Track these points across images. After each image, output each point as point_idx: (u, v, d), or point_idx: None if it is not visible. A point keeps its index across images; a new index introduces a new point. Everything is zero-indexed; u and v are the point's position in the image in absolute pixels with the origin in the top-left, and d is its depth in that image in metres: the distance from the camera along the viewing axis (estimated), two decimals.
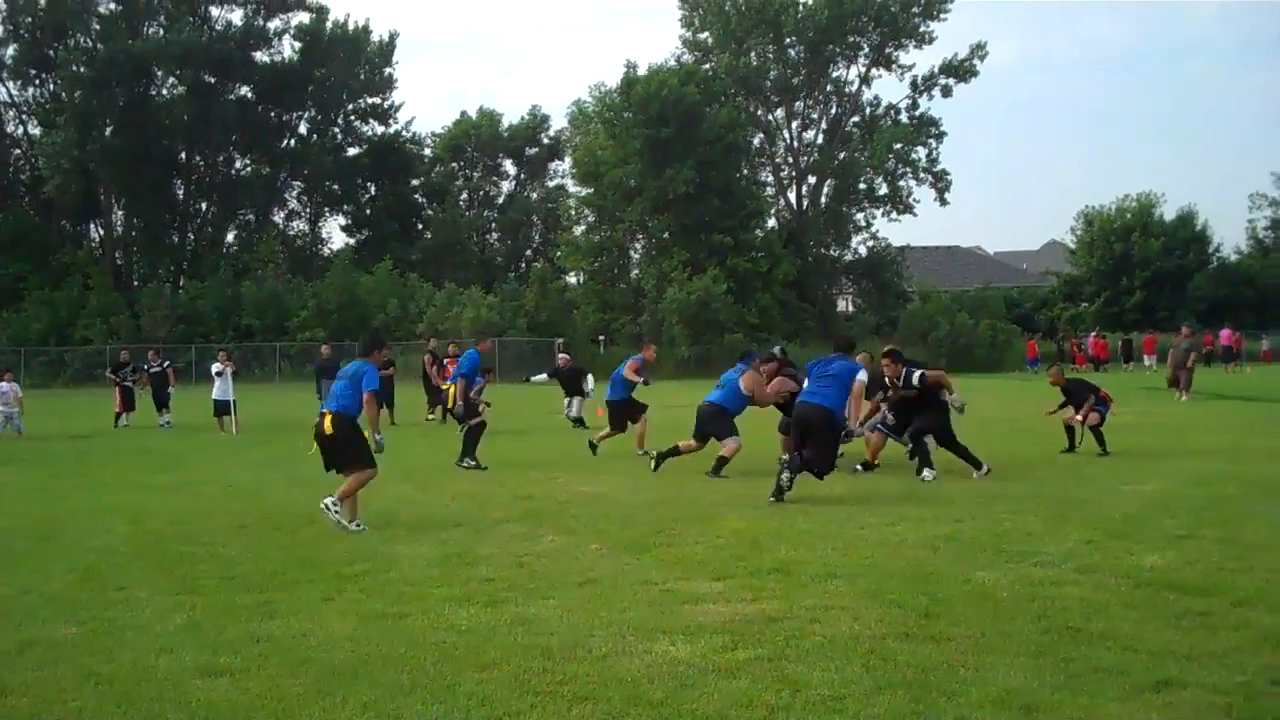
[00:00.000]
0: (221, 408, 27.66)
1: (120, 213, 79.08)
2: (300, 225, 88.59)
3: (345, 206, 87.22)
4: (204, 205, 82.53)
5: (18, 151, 79.07)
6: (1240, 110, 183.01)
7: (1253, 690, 5.93)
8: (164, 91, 78.09)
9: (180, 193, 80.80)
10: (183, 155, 79.52)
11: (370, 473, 12.43)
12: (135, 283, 76.42)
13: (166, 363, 32.27)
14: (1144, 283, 75.21)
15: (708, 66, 73.24)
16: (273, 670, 6.75)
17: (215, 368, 28.31)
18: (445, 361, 30.20)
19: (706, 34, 75.81)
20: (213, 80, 77.03)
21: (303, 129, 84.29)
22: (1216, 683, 6.06)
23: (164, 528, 12.56)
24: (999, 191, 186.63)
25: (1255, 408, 28.96)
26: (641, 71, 68.47)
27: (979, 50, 75.23)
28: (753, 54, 75.47)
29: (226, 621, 7.98)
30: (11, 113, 78.38)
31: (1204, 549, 9.69)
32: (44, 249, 73.15)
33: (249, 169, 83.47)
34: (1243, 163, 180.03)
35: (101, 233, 79.15)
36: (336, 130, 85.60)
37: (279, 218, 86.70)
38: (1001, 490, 13.92)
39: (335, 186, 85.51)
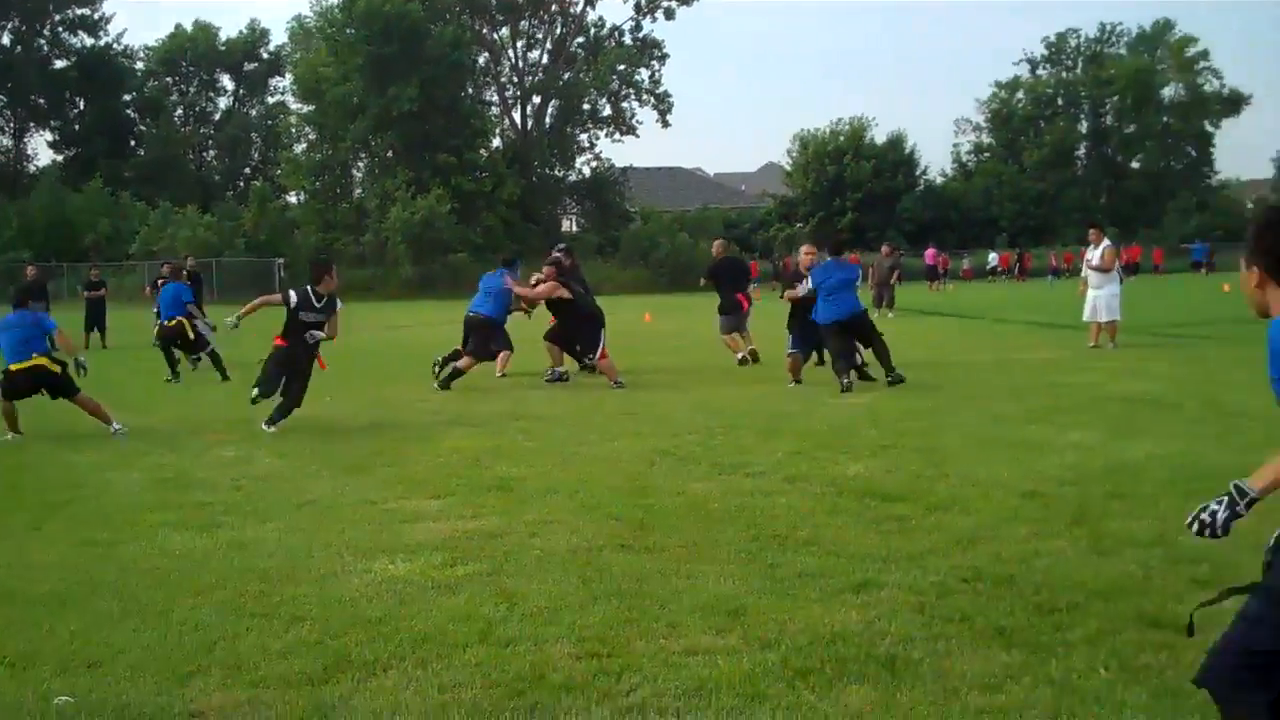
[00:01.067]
0: None
1: None
2: (3, 141, 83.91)
3: (52, 122, 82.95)
4: None
5: None
6: (948, 37, 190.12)
7: (944, 588, 6.28)
8: None
9: None
10: None
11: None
12: None
13: None
14: (855, 204, 77.65)
15: None
16: None
17: None
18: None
19: None
20: None
21: (4, 40, 79.62)
22: (912, 583, 6.39)
23: None
24: (720, 114, 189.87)
25: (955, 323, 30.39)
26: None
27: None
28: None
29: None
30: None
31: (904, 458, 10.17)
32: None
33: None
34: (949, 88, 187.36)
35: None
36: (42, 41, 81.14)
37: None
38: (717, 405, 14.30)
39: (41, 101, 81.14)
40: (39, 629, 6.02)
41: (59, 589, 6.73)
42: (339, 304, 13.38)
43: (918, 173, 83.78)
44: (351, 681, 5.22)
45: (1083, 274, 21.71)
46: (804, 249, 18.13)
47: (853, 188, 78.15)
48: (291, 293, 13.14)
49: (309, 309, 12.97)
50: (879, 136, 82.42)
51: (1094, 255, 20.92)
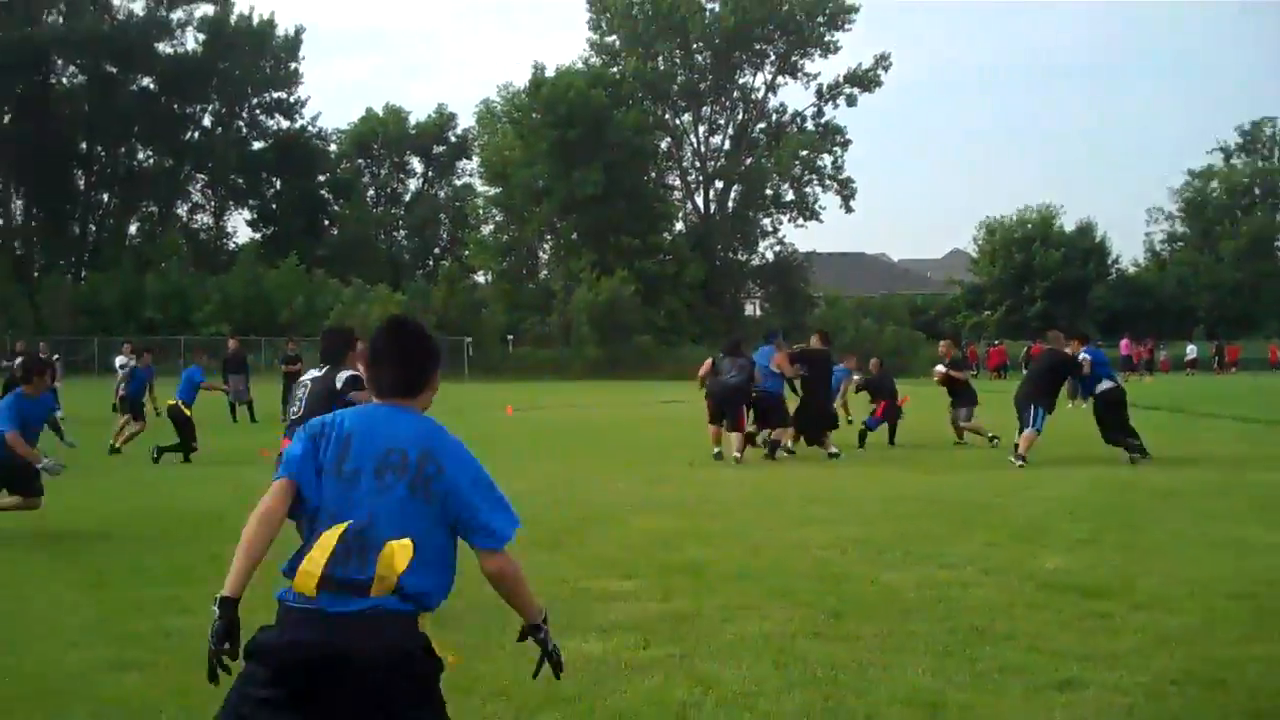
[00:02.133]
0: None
1: (19, 202, 77.67)
2: (204, 219, 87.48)
3: (250, 201, 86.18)
4: (105, 196, 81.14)
5: None
6: (1138, 125, 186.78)
7: (1153, 691, 6.07)
8: (64, 80, 76.82)
9: (81, 183, 79.38)
10: (83, 146, 78.08)
11: None
12: (35, 273, 74.89)
13: (55, 356, 31.76)
14: (1044, 292, 76.39)
15: (615, 70, 73.29)
16: (181, 665, 6.65)
17: (120, 360, 27.85)
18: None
19: (614, 37, 76.07)
20: (113, 70, 75.77)
21: (206, 121, 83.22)
22: (1118, 683, 6.19)
23: (68, 520, 12.36)
24: (904, 200, 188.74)
25: (1153, 416, 29.54)
26: (549, 73, 68.42)
27: (883, 61, 76.11)
28: (660, 59, 75.71)
29: (135, 616, 7.89)
30: None
31: (1105, 553, 9.88)
32: None
33: (151, 161, 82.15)
34: (1140, 177, 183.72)
35: (0, 222, 77.56)
36: (241, 124, 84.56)
37: (182, 210, 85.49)
38: (906, 493, 14.10)
39: (240, 180, 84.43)
40: None
41: None
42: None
43: (1109, 261, 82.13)
44: None
45: None
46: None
47: (1041, 275, 76.94)
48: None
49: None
50: (1068, 224, 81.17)
51: None
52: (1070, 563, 9.44)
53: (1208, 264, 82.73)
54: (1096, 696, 5.99)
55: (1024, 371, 19.92)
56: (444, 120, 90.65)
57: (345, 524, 3.69)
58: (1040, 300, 76.10)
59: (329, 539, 3.66)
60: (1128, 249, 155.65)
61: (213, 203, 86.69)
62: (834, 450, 18.62)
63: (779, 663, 6.62)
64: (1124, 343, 59.68)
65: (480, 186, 79.18)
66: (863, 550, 10.12)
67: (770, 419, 18.80)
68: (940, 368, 20.41)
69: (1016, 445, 17.15)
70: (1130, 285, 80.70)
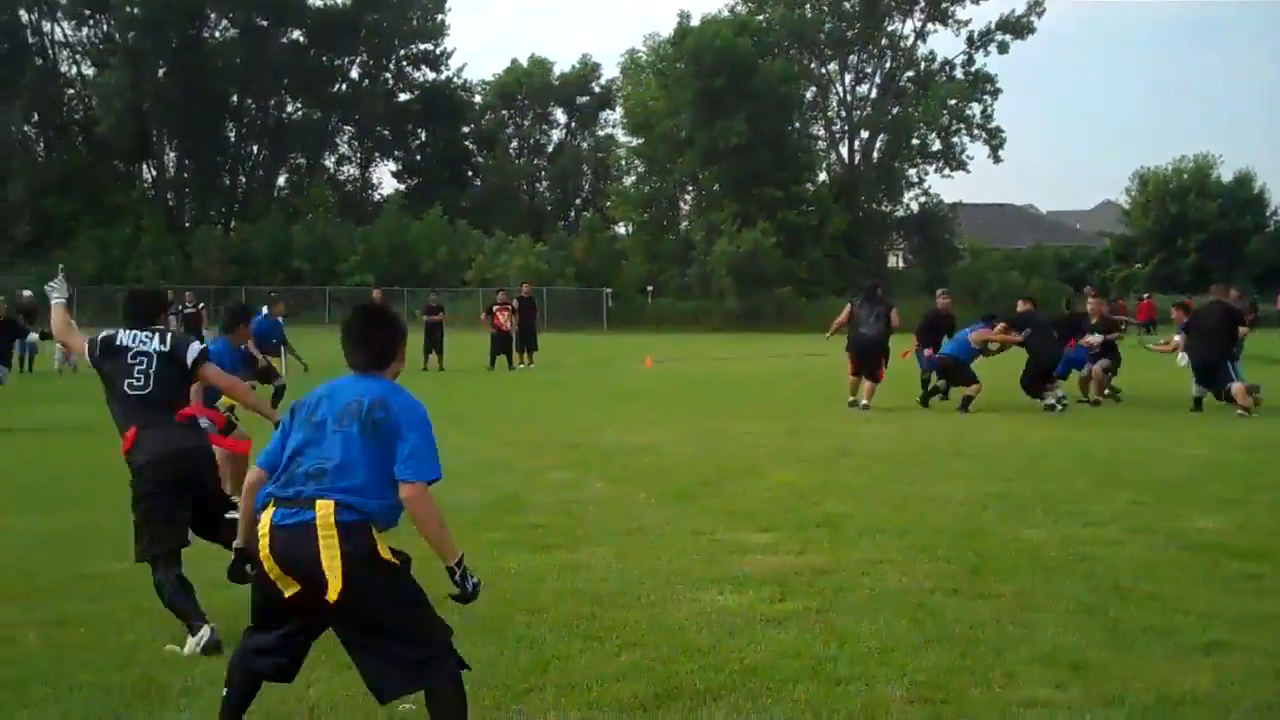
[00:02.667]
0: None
1: (172, 154, 79.43)
2: (351, 170, 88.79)
3: (396, 152, 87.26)
4: (255, 148, 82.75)
5: (71, 91, 79.40)
6: None
7: None
8: (216, 34, 78.35)
9: (231, 135, 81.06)
10: (234, 98, 79.59)
11: None
12: (187, 224, 76.75)
13: (201, 304, 32.60)
14: (1199, 245, 74.28)
15: (761, 18, 72.51)
16: None
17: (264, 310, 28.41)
18: (494, 309, 30.33)
19: None
20: (264, 23, 77.03)
21: (354, 74, 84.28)
22: (1267, 646, 6.04)
23: None
24: (1053, 150, 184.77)
25: None
26: (695, 22, 68.00)
27: (1036, 6, 74.26)
28: (807, 6, 74.71)
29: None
30: (65, 52, 78.74)
31: (1255, 514, 9.62)
32: (97, 188, 73.48)
33: (300, 113, 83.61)
34: None
35: (154, 174, 79.56)
36: (388, 76, 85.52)
37: (329, 162, 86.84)
38: (1049, 450, 13.85)
39: (386, 132, 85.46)
40: None
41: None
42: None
43: (1268, 213, 79.51)
44: (683, 710, 5.27)
45: None
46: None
47: (1196, 228, 74.75)
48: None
49: None
50: (1225, 175, 78.71)
51: None
52: (1219, 523, 9.21)
53: None
54: (1243, 660, 5.84)
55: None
56: (588, 71, 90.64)
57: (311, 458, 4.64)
58: (1194, 253, 74.00)
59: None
60: None
61: (359, 154, 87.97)
62: (1051, 401, 18.50)
63: (916, 619, 6.57)
64: None
65: (623, 137, 79.16)
66: (1004, 506, 9.99)
67: (954, 377, 18.96)
68: (1093, 339, 19.75)
69: (1234, 399, 17.42)
70: None
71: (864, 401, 18.48)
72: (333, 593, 4.44)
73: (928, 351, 19.83)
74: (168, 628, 6.47)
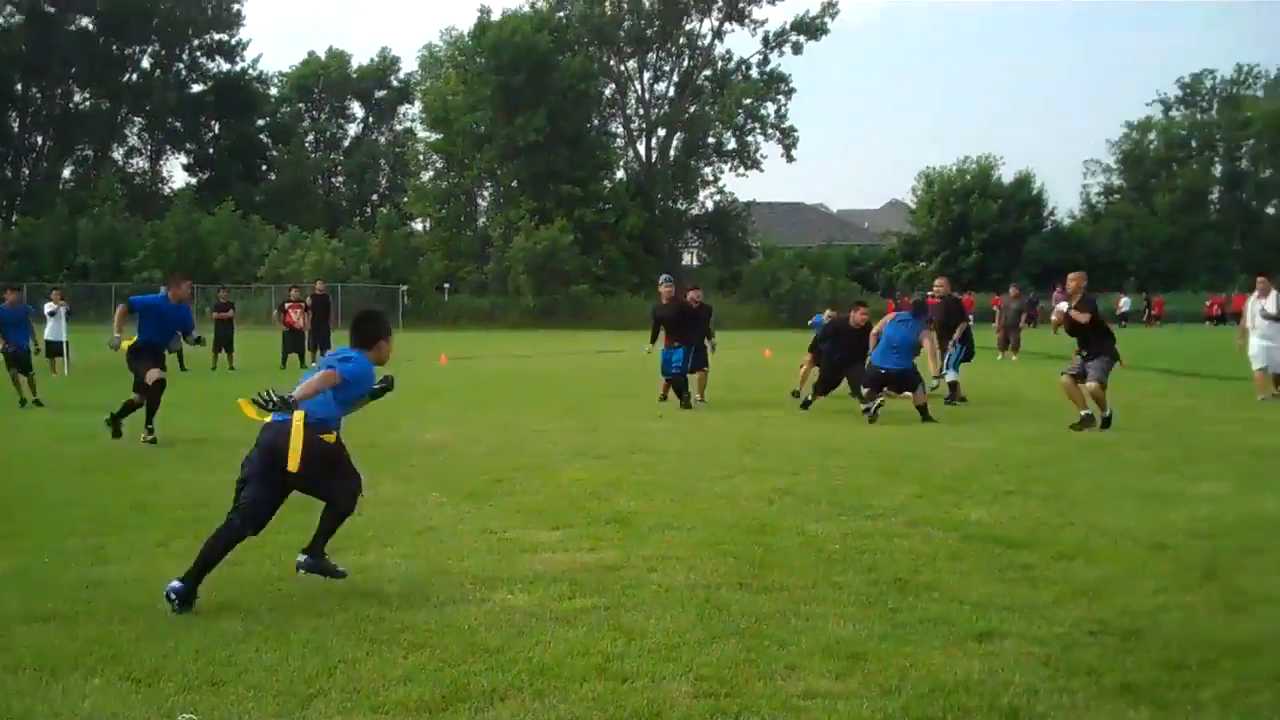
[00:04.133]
0: (54, 348, 26.79)
1: None
2: (140, 163, 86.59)
3: (188, 145, 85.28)
4: (40, 139, 79.92)
5: None
6: (1078, 78, 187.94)
7: (1069, 641, 6.15)
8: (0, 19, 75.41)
9: (15, 125, 78.03)
10: (19, 86, 76.70)
11: None
12: None
13: None
14: (981, 244, 76.83)
15: (561, 14, 72.75)
16: (103, 616, 6.64)
17: (49, 307, 27.39)
18: (286, 306, 29.84)
19: None
20: (52, 10, 74.34)
21: (145, 63, 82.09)
22: (1036, 633, 6.26)
23: None
24: (844, 150, 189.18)
25: None
26: (495, 17, 67.86)
27: (830, 8, 75.91)
28: (607, 3, 75.12)
29: (57, 566, 7.82)
30: None
31: (1028, 505, 9.98)
32: None
33: (88, 103, 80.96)
34: (1079, 129, 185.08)
35: None
36: (180, 66, 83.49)
37: (118, 154, 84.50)
38: (836, 445, 14.18)
39: (178, 124, 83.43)
40: (165, 644, 6.13)
41: None
42: None
43: (1045, 214, 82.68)
44: (469, 711, 5.25)
45: (1244, 322, 20.99)
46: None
47: (978, 227, 77.37)
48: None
49: None
50: (1006, 176, 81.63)
51: (1269, 304, 20.17)
52: (994, 514, 9.53)
53: (1141, 217, 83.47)
54: (1014, 647, 6.05)
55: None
56: (386, 64, 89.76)
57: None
58: (976, 252, 76.53)
59: None
60: (1065, 201, 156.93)
61: (149, 147, 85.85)
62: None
63: (703, 614, 6.65)
64: (1057, 294, 60.15)
65: (421, 132, 78.56)
66: (791, 501, 10.19)
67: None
68: (1062, 306, 16.45)
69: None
70: (1065, 237, 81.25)
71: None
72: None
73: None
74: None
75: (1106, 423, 15.38)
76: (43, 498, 10.49)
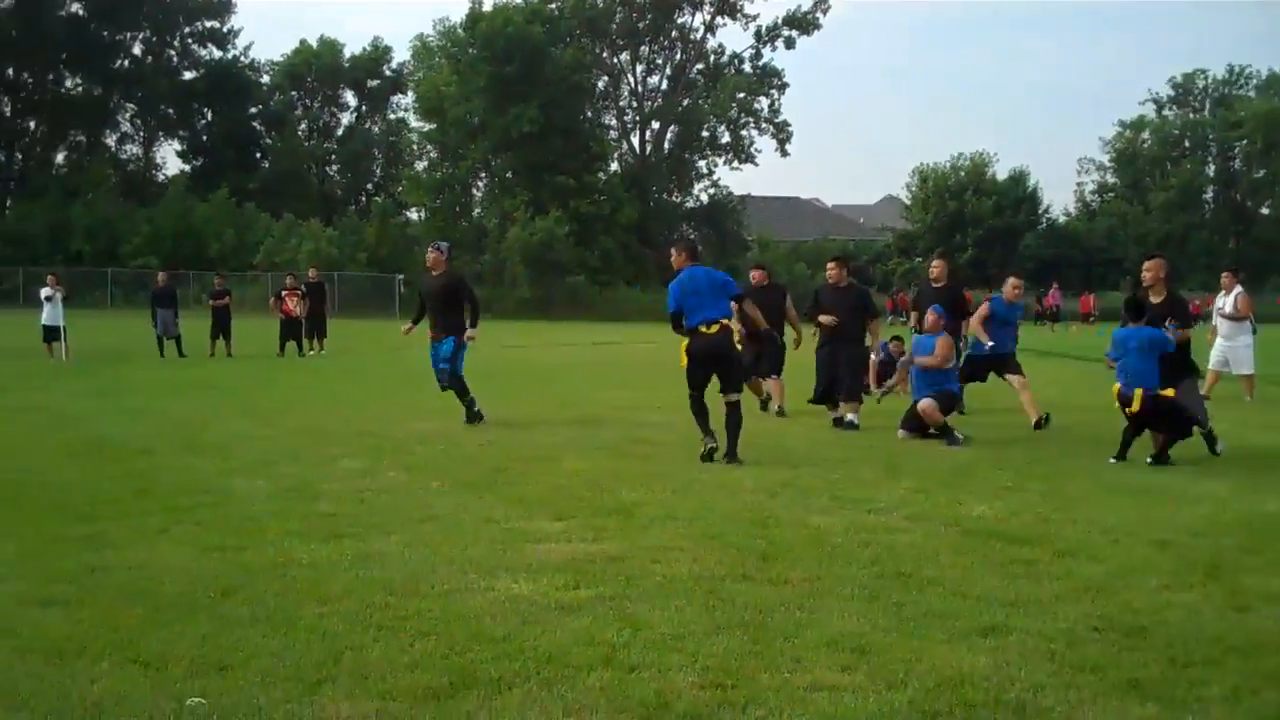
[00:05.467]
0: (51, 333, 26.80)
1: None
2: (133, 149, 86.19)
3: (181, 132, 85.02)
4: (32, 124, 79.71)
5: None
6: (1075, 74, 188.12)
7: (1074, 636, 6.16)
8: None
9: (7, 109, 77.85)
10: (9, 71, 76.49)
11: None
12: None
13: None
14: (976, 240, 76.89)
15: (554, 6, 72.60)
16: (108, 601, 6.63)
17: (45, 292, 27.37)
18: (283, 294, 29.80)
19: None
20: None
21: (136, 50, 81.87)
22: (1040, 628, 6.27)
23: None
24: (839, 145, 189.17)
25: (1079, 365, 29.87)
26: (487, 8, 67.70)
27: (822, 3, 75.90)
28: None
29: (58, 551, 7.81)
30: None
31: (1029, 500, 10.01)
32: None
33: (80, 89, 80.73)
34: (1073, 128, 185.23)
35: None
36: (172, 53, 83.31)
37: (111, 140, 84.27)
38: (837, 439, 14.21)
39: (170, 111, 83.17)
40: (170, 630, 6.12)
41: (188, 591, 6.84)
42: None
43: (1040, 210, 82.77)
44: (477, 698, 5.24)
45: (1213, 321, 20.93)
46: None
47: (973, 224, 77.42)
48: None
49: None
50: (1000, 173, 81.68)
51: (1225, 302, 20.17)
52: (995, 510, 9.54)
53: (1136, 215, 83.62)
54: (1019, 642, 6.06)
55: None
56: (379, 54, 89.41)
57: None
58: (971, 248, 76.58)
59: None
60: (1059, 199, 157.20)
61: (142, 133, 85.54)
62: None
63: (707, 605, 6.65)
64: (1053, 291, 60.34)
65: (415, 122, 78.42)
66: (791, 494, 10.20)
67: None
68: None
69: None
70: (1060, 235, 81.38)
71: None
72: None
73: None
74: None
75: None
76: (41, 482, 10.48)
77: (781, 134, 76.51)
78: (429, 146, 73.83)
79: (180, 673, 5.52)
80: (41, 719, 5.01)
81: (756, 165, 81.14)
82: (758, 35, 76.97)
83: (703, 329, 12.17)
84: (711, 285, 12.34)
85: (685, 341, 12.43)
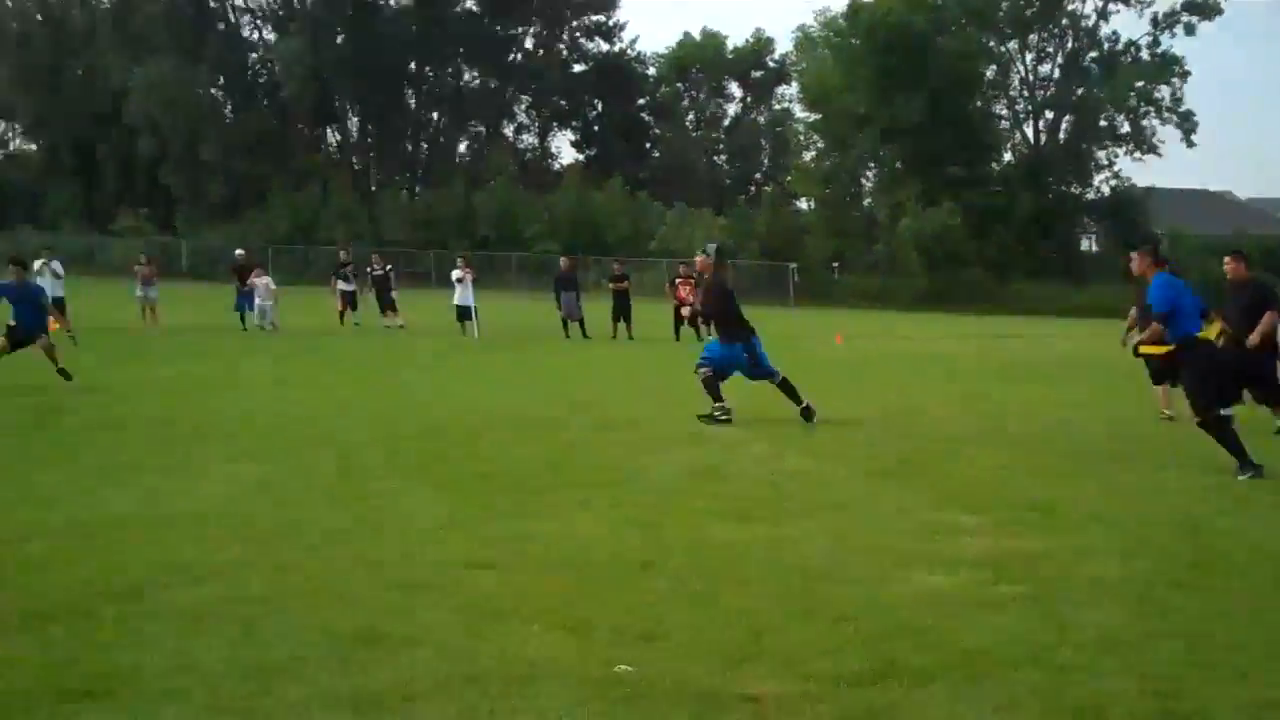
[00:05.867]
0: (463, 313, 28.18)
1: (355, 119, 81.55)
2: (530, 139, 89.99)
3: (573, 123, 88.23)
4: (435, 115, 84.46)
5: (254, 55, 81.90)
6: None
7: None
8: (391, 1, 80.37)
9: (412, 102, 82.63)
10: (412, 66, 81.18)
11: None
12: (372, 188, 78.58)
13: (389, 266, 32.93)
14: None
15: None
16: (534, 568, 6.87)
17: (456, 274, 28.82)
18: (677, 281, 30.29)
19: None
20: None
21: (528, 44, 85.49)
22: None
23: (414, 426, 12.92)
24: (1251, 135, 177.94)
25: None
26: None
27: None
28: None
29: (486, 519, 8.14)
30: (247, 17, 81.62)
31: None
32: (284, 151, 75.76)
33: (477, 82, 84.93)
34: None
35: (338, 138, 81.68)
36: (561, 46, 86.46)
37: (509, 130, 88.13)
38: (1275, 442, 13.06)
39: (562, 102, 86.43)
40: (594, 599, 6.27)
41: (609, 563, 7.02)
42: None
43: None
44: (901, 687, 5.14)
45: None
46: None
47: None
48: None
49: None
50: None
51: None
52: None
53: None
54: None
55: None
56: (761, 45, 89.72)
57: None
58: None
59: None
60: None
61: (537, 124, 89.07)
62: None
63: (1139, 611, 6.32)
64: None
65: (800, 112, 78.38)
66: (1223, 500, 9.57)
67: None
68: None
69: None
70: None
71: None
72: None
73: None
74: (384, 577, 6.58)
75: None
76: (466, 455, 11.05)
77: (1186, 124, 72.59)
78: (815, 136, 73.73)
79: (605, 640, 5.65)
80: (484, 674, 5.18)
81: (1160, 156, 76.74)
82: (1154, 21, 73.28)
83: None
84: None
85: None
